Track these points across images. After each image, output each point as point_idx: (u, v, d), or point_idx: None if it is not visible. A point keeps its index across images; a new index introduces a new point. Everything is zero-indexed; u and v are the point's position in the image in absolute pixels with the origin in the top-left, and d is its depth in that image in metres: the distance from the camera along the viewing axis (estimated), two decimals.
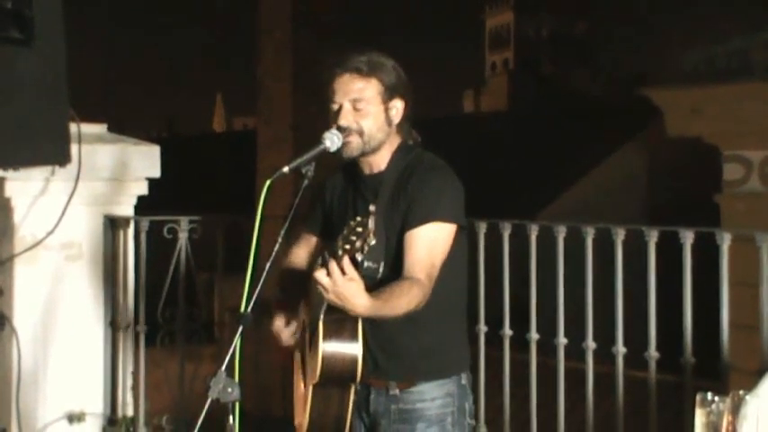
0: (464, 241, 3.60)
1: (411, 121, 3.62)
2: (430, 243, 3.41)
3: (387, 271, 3.39)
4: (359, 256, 3.11)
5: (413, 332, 3.51)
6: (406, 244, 3.42)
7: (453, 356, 3.64)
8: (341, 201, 3.68)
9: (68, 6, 4.21)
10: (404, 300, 3.31)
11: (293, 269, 3.81)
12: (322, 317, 3.33)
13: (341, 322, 3.34)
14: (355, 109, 3.49)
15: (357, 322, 3.36)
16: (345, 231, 3.12)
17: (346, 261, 3.10)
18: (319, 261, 3.46)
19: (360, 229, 3.08)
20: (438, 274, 3.42)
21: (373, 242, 3.10)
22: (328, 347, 3.33)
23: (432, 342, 3.56)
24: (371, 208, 3.14)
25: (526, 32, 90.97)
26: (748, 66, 9.76)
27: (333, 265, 3.11)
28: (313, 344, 3.40)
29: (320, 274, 3.12)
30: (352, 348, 3.36)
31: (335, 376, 3.36)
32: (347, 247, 3.09)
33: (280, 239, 3.32)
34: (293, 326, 3.68)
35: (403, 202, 3.47)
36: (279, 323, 3.68)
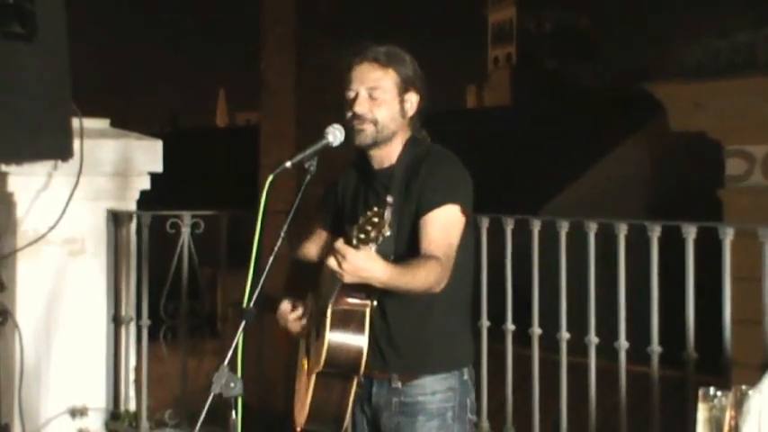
0: (471, 234, 3.60)
1: (423, 118, 3.64)
2: (444, 225, 3.42)
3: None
4: (372, 247, 3.11)
5: (418, 325, 3.51)
6: (420, 229, 3.43)
7: (457, 351, 3.64)
8: (353, 196, 3.69)
9: (70, 1, 4.22)
10: (422, 271, 3.31)
11: (303, 261, 3.81)
12: (330, 306, 3.33)
13: (349, 313, 3.35)
14: (371, 97, 3.50)
15: (365, 315, 3.37)
16: (361, 221, 3.11)
17: (363, 249, 3.11)
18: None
19: (376, 220, 3.08)
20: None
21: (388, 233, 3.10)
22: (335, 337, 3.33)
23: (436, 336, 3.56)
24: (389, 199, 3.14)
25: (528, 27, 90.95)
26: (752, 60, 9.75)
27: (340, 243, 3.12)
28: (320, 332, 3.40)
29: (331, 260, 3.14)
30: (359, 340, 3.36)
31: (339, 366, 3.37)
32: (362, 236, 3.09)
33: (282, 234, 3.32)
34: (299, 311, 3.66)
35: (414, 191, 3.47)
36: (285, 307, 3.67)
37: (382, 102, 3.51)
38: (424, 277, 3.32)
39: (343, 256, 3.11)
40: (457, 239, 3.45)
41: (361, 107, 3.50)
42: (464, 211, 3.48)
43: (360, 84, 3.52)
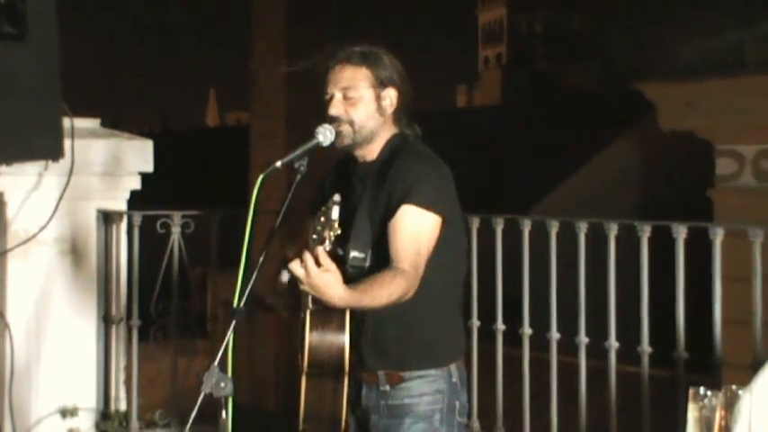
0: (459, 231, 3.59)
1: (408, 113, 3.62)
2: (412, 233, 3.39)
3: (374, 260, 3.39)
4: (328, 246, 3.12)
5: (403, 323, 3.50)
6: (389, 235, 3.41)
7: (442, 348, 3.62)
8: (333, 190, 3.69)
9: (62, 1, 4.22)
10: (384, 291, 3.30)
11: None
12: (310, 307, 3.34)
13: (328, 312, 3.35)
14: (345, 98, 3.50)
15: (345, 312, 3.37)
16: (315, 222, 3.15)
17: (320, 251, 3.11)
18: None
19: (323, 219, 3.12)
20: (429, 264, 3.42)
21: (338, 232, 3.12)
22: (315, 338, 3.34)
23: (421, 333, 3.54)
24: (336, 198, 3.14)
25: (519, 27, 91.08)
26: (742, 60, 9.76)
27: (306, 255, 3.12)
28: (303, 334, 3.41)
29: (295, 266, 3.13)
30: (339, 338, 3.36)
31: (324, 366, 3.37)
32: (314, 237, 3.13)
33: (273, 234, 3.32)
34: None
35: (385, 189, 3.47)
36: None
37: (357, 101, 3.50)
38: (386, 296, 3.30)
39: (307, 273, 3.11)
40: (427, 245, 3.42)
41: (335, 109, 3.49)
42: (437, 212, 3.44)
43: (334, 85, 3.51)
